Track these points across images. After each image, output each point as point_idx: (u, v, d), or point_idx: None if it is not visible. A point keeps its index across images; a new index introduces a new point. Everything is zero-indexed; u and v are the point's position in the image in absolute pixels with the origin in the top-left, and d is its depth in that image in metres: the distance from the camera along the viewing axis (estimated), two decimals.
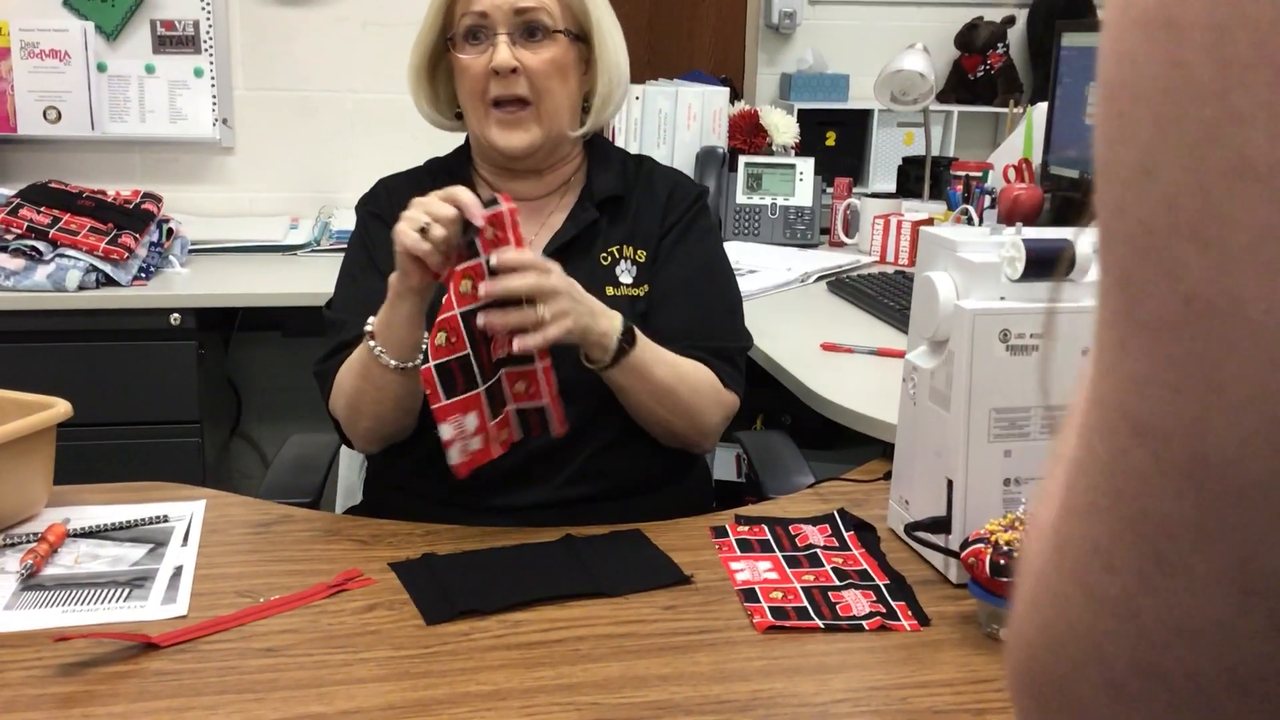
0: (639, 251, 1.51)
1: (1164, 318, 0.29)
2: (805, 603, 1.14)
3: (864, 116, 3.70)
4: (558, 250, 1.49)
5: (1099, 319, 0.32)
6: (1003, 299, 1.16)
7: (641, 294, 1.50)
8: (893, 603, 1.14)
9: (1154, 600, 0.31)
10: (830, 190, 2.89)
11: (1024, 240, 1.14)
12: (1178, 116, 0.28)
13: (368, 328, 1.34)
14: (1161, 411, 0.29)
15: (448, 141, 1.60)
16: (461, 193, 1.24)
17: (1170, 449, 0.29)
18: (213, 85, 2.84)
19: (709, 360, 1.47)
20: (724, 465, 2.37)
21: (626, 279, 1.50)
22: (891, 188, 3.16)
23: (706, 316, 1.53)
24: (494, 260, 1.22)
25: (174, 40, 2.81)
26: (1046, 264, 1.14)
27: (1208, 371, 0.28)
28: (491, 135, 1.45)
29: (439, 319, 1.23)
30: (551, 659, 1.04)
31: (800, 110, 3.28)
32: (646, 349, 1.37)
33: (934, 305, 1.18)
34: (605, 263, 1.50)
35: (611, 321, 1.34)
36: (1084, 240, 1.16)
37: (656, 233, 1.52)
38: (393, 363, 1.33)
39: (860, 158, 3.72)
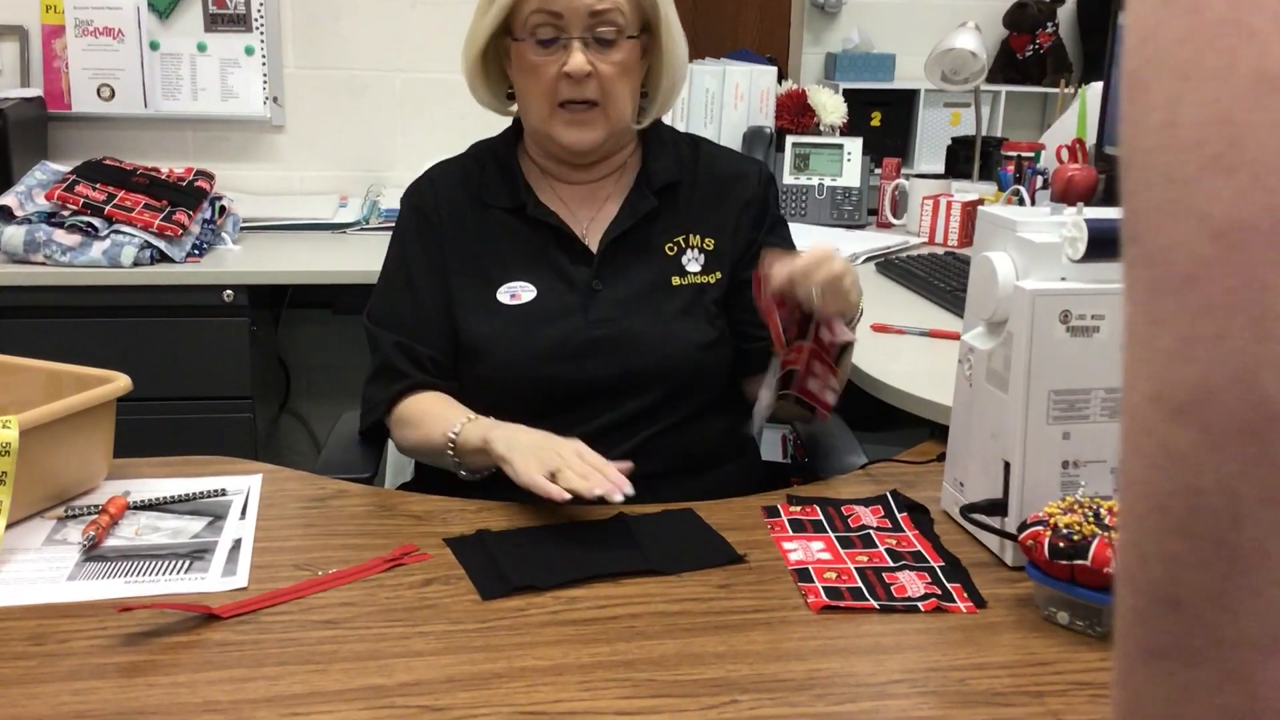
0: (706, 239, 1.51)
1: (1198, 266, 0.28)
2: (860, 583, 1.13)
3: (910, 96, 3.67)
4: (616, 239, 1.49)
5: (1128, 316, 0.31)
6: (1063, 279, 1.15)
7: (713, 281, 1.50)
8: (948, 584, 1.13)
9: (1237, 626, 0.29)
10: (878, 171, 2.87)
11: (1086, 220, 1.12)
12: (1196, 57, 0.28)
13: (452, 442, 1.36)
14: (1206, 371, 0.28)
15: (497, 121, 1.60)
16: (597, 460, 1.24)
17: (1221, 410, 0.28)
18: (264, 64, 2.86)
19: None
20: (770, 446, 2.37)
21: (694, 267, 1.50)
22: (937, 168, 3.14)
23: None
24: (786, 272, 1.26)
25: (225, 19, 2.83)
26: (1109, 244, 1.13)
27: (1253, 300, 0.27)
28: (558, 133, 1.45)
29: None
30: (607, 635, 1.04)
31: (845, 90, 3.26)
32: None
33: (993, 286, 1.17)
34: (671, 252, 1.50)
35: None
36: None
37: (729, 223, 1.52)
38: (464, 474, 1.38)
39: (905, 138, 3.70)
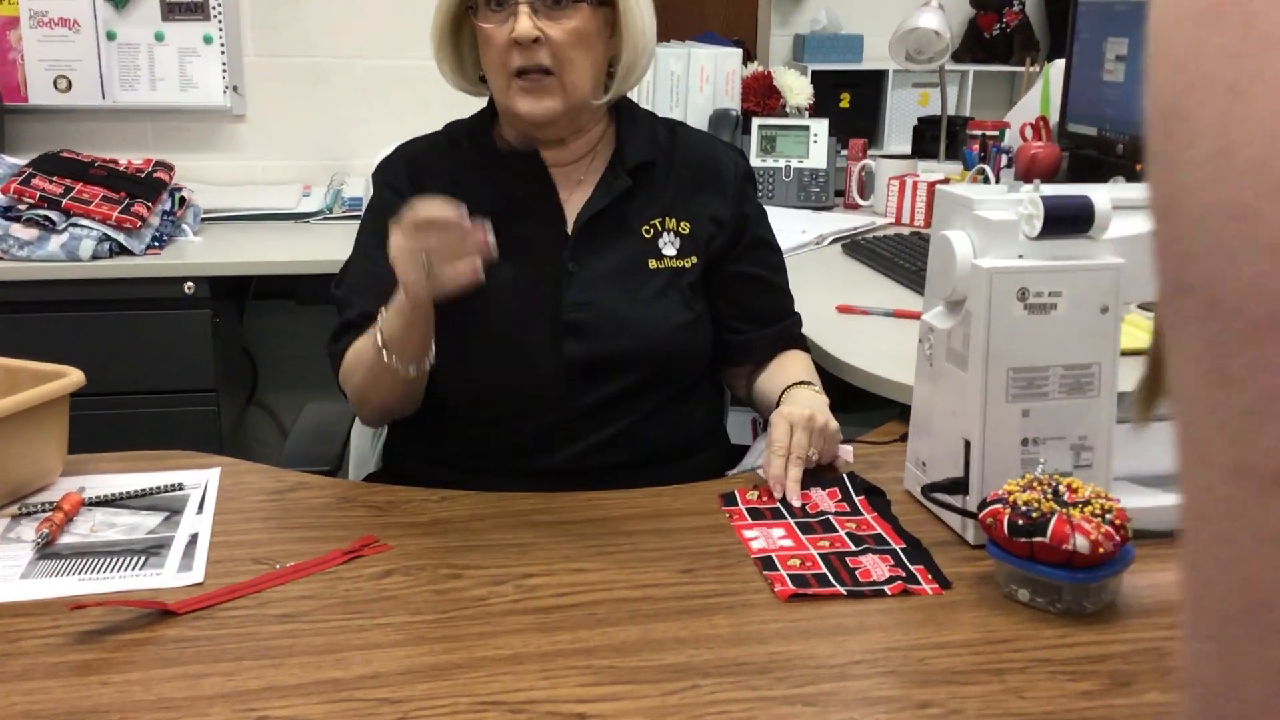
0: (681, 223, 1.50)
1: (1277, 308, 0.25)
2: (824, 569, 1.13)
3: (878, 78, 3.67)
4: (590, 220, 1.47)
5: (1184, 381, 0.27)
6: (1021, 257, 1.14)
7: (689, 265, 1.49)
8: (911, 567, 1.13)
9: None
10: (845, 152, 2.86)
11: (1042, 197, 1.12)
12: (1253, 72, 0.25)
13: (379, 339, 1.32)
14: None
15: (461, 105, 1.58)
16: (428, 212, 1.20)
17: None
18: (223, 52, 2.83)
19: (803, 345, 1.61)
20: (738, 429, 2.36)
21: (670, 250, 1.49)
22: (906, 149, 3.13)
23: (784, 297, 1.62)
24: (774, 484, 1.29)
25: (183, 7, 2.79)
26: (1066, 220, 1.13)
27: None
28: (514, 104, 1.43)
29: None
30: (568, 623, 1.03)
31: (814, 72, 3.25)
32: (818, 393, 1.45)
33: (951, 264, 1.16)
34: (648, 235, 1.49)
35: (820, 403, 1.40)
36: (1103, 195, 1.14)
37: (705, 211, 1.51)
38: (411, 370, 1.33)
39: (875, 119, 3.69)
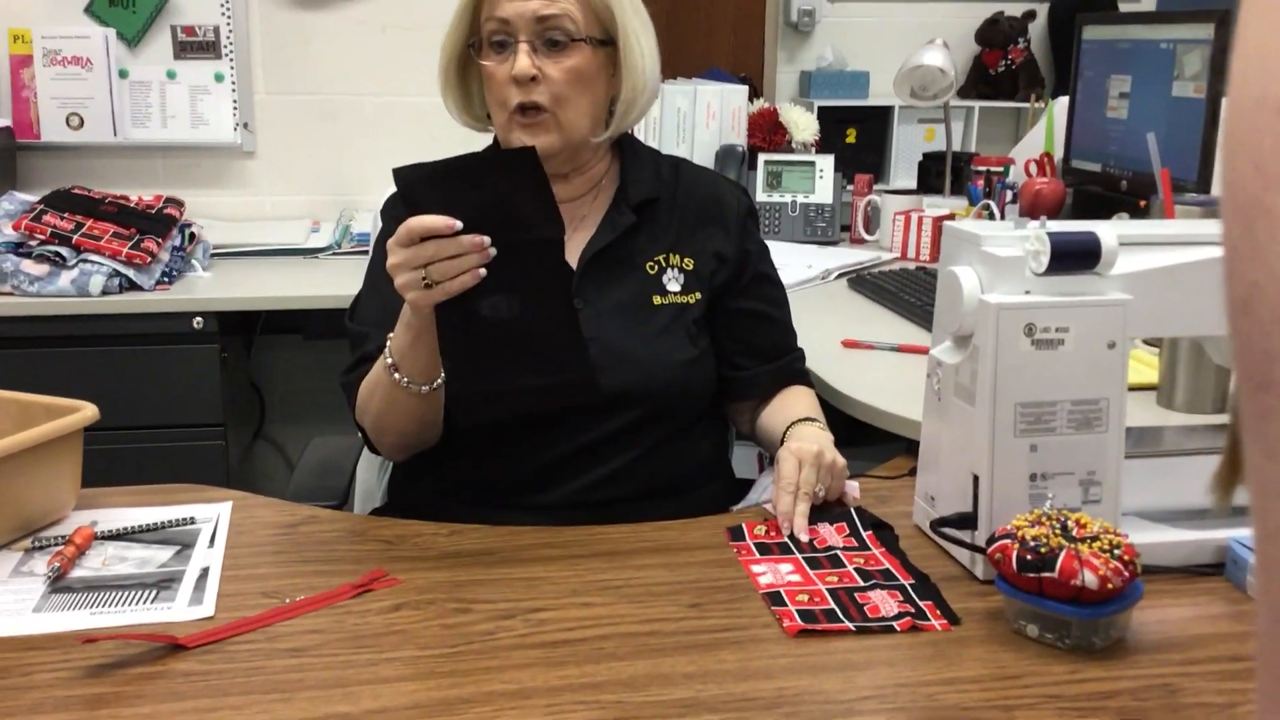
0: (685, 259, 1.51)
1: None
2: (833, 604, 1.12)
3: (884, 113, 3.69)
4: (595, 256, 1.48)
5: (1258, 477, 0.27)
6: (1028, 293, 1.15)
7: (693, 301, 1.50)
8: (920, 602, 1.13)
9: None
10: (851, 187, 2.88)
11: (1048, 233, 1.13)
12: None
13: (389, 359, 1.33)
14: None
15: (470, 143, 1.59)
16: (420, 223, 1.19)
17: None
18: (233, 90, 2.86)
19: (806, 381, 1.61)
20: (745, 464, 2.36)
21: (674, 286, 1.50)
22: (912, 184, 3.15)
23: (787, 332, 1.62)
24: (783, 521, 1.29)
25: (195, 46, 2.82)
26: (1072, 256, 1.13)
27: None
28: (512, 139, 1.44)
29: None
30: (576, 658, 1.03)
31: (820, 108, 3.27)
32: (822, 429, 1.45)
33: (958, 300, 1.17)
34: (652, 271, 1.50)
35: (826, 439, 1.40)
36: (1109, 231, 1.15)
37: (708, 247, 1.52)
38: (424, 389, 1.32)
39: (881, 155, 3.71)
